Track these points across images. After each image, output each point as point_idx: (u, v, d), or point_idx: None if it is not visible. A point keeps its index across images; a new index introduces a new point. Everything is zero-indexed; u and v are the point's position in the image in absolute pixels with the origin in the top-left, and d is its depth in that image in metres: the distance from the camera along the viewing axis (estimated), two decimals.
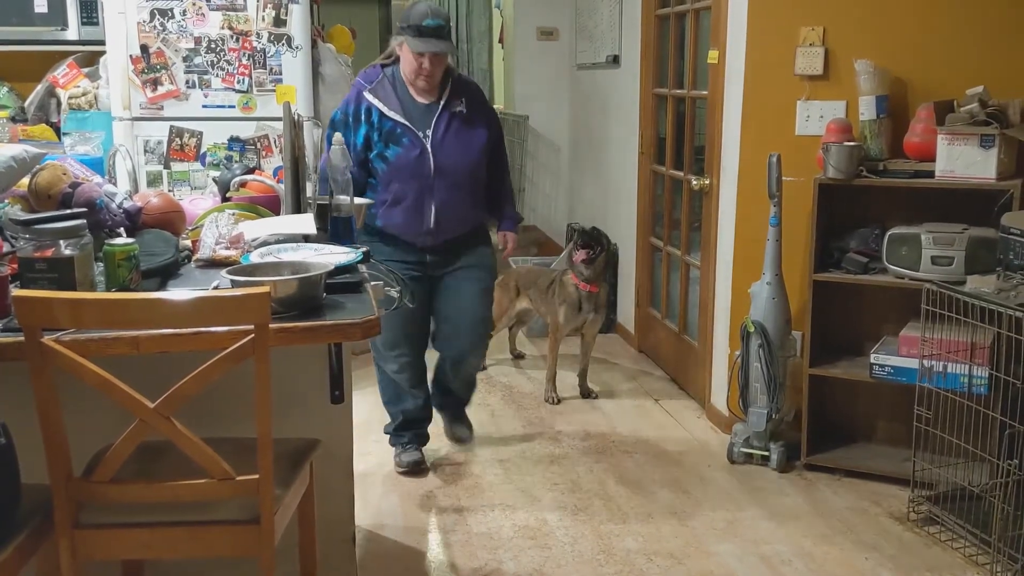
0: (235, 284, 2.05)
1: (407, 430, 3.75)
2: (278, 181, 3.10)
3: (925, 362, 3.22)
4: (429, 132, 3.30)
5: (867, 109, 3.51)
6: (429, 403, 3.76)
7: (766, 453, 3.71)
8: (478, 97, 3.46)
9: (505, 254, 3.69)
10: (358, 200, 2.87)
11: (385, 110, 3.28)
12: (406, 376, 3.62)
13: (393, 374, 3.62)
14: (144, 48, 3.91)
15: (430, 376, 3.78)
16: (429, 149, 3.29)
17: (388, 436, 3.80)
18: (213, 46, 3.94)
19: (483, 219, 3.59)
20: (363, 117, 3.30)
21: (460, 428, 3.90)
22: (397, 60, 3.32)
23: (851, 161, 3.41)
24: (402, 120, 3.28)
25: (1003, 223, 3.04)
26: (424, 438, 3.79)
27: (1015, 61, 3.44)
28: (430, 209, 3.33)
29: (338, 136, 2.96)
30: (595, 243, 4.41)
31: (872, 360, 3.46)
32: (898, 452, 3.60)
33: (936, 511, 3.24)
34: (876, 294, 3.65)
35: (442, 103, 3.34)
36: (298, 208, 2.82)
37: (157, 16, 3.89)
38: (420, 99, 3.34)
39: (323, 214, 2.74)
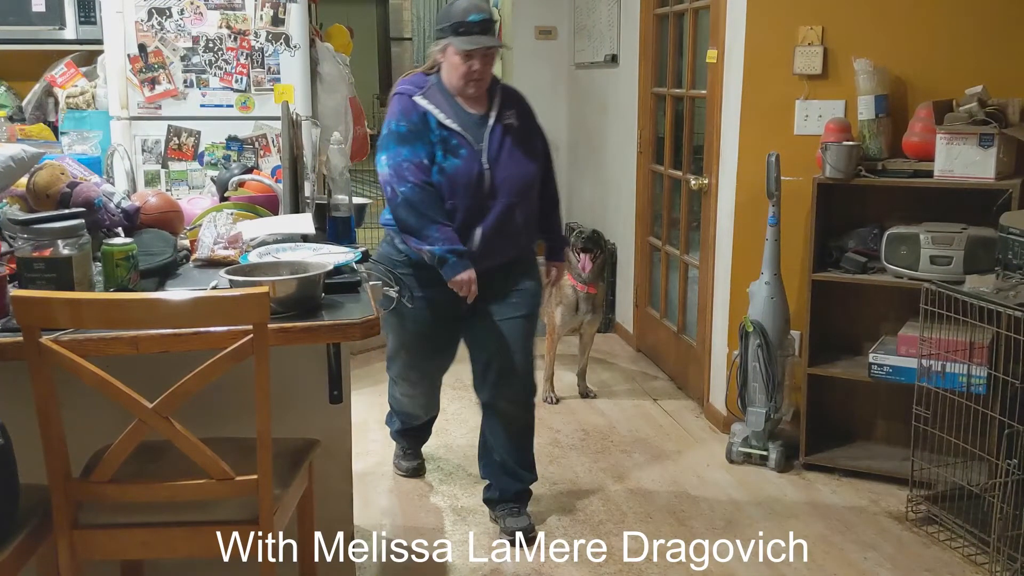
0: (234, 284, 2.05)
1: (408, 438, 3.69)
2: (276, 181, 3.10)
3: (924, 362, 3.22)
4: (484, 145, 2.93)
5: (866, 108, 3.51)
6: (435, 419, 3.70)
7: (765, 453, 3.71)
8: (527, 108, 3.11)
9: (549, 286, 3.38)
10: (357, 200, 2.86)
11: (441, 117, 2.91)
12: (418, 404, 3.53)
13: (402, 396, 3.49)
14: (142, 47, 3.90)
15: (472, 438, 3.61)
16: (486, 164, 2.93)
17: (388, 428, 3.75)
18: (211, 45, 3.93)
19: (533, 244, 3.22)
20: (423, 125, 2.92)
21: (519, 519, 3.21)
22: (439, 70, 2.98)
23: (850, 160, 3.41)
24: (458, 129, 2.92)
25: (1002, 223, 3.04)
26: (424, 442, 3.76)
27: (1014, 60, 3.44)
28: (476, 231, 2.95)
29: (336, 135, 2.96)
30: (596, 247, 4.41)
31: (871, 360, 3.46)
32: (897, 451, 3.60)
33: (935, 510, 3.24)
34: (875, 293, 3.65)
35: (494, 114, 2.99)
36: (296, 208, 2.82)
37: (155, 15, 3.88)
38: (470, 110, 2.97)
39: (321, 213, 2.73)
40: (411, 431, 3.65)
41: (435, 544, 3.17)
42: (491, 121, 2.98)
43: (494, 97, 3.02)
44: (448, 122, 2.91)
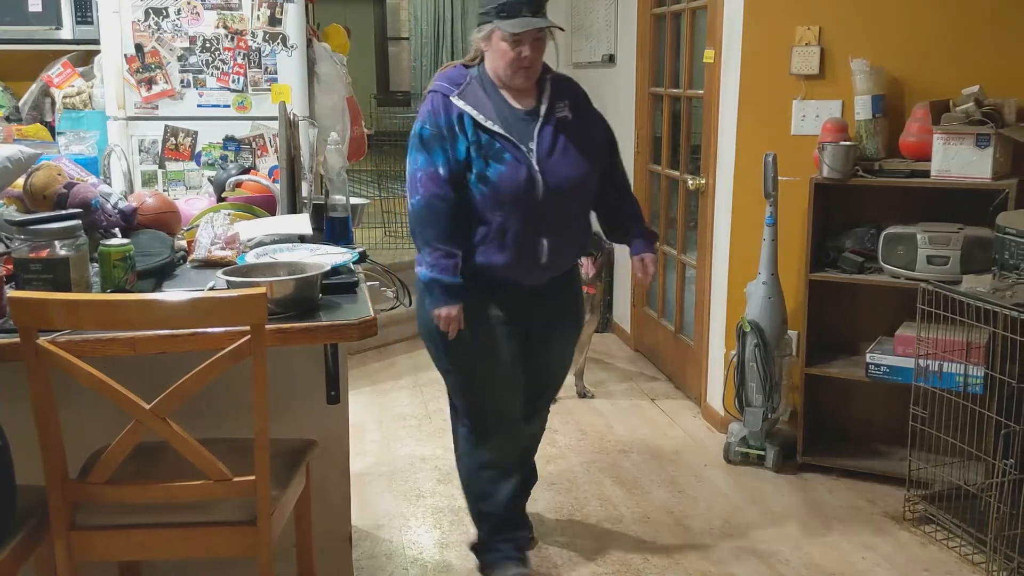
0: (231, 285, 2.05)
1: (505, 534, 2.91)
2: (274, 181, 3.10)
3: (921, 361, 3.22)
4: (533, 146, 2.58)
5: (863, 108, 3.51)
6: (527, 483, 3.05)
7: (762, 452, 3.71)
8: (583, 98, 2.77)
9: (646, 282, 2.93)
10: (354, 200, 2.86)
11: (481, 118, 2.56)
12: (513, 456, 2.90)
13: (493, 457, 2.84)
14: (139, 47, 3.89)
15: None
16: (536, 166, 2.57)
17: (475, 546, 3.00)
18: (208, 45, 3.92)
19: (586, 248, 3.02)
20: (457, 128, 2.56)
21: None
22: (482, 61, 2.65)
23: (847, 160, 3.41)
24: (501, 131, 2.56)
25: (998, 223, 3.04)
26: (529, 540, 3.05)
27: (1011, 60, 3.44)
28: (541, 241, 2.63)
29: (334, 136, 2.95)
30: (597, 249, 4.42)
31: (868, 359, 3.46)
32: (894, 451, 3.60)
33: (932, 510, 3.25)
34: (872, 293, 3.66)
35: (543, 108, 2.64)
36: (294, 208, 2.82)
37: (152, 15, 3.88)
38: (517, 104, 2.63)
39: (318, 214, 2.73)
40: (509, 523, 2.92)
41: (433, 544, 3.17)
42: (541, 117, 2.63)
43: (544, 89, 2.67)
44: (489, 124, 2.56)
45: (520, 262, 2.63)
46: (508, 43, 2.53)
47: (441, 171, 2.55)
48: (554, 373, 2.95)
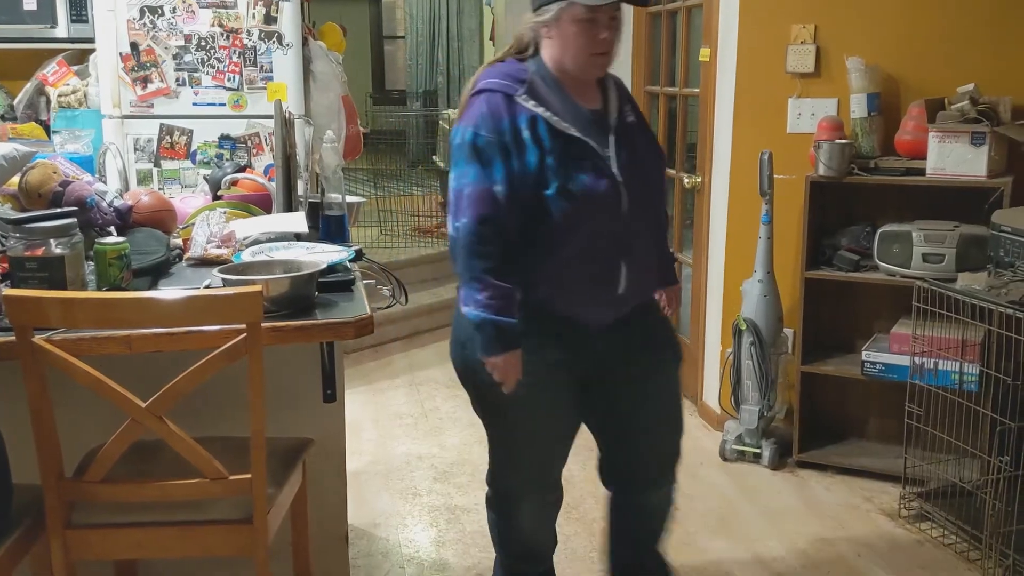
0: (227, 283, 2.05)
1: None
2: (269, 179, 3.10)
3: (916, 359, 3.22)
4: (610, 152, 2.16)
5: (858, 107, 3.51)
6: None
7: (758, 450, 3.72)
8: (633, 99, 2.37)
9: (673, 317, 2.55)
10: (350, 198, 2.86)
11: (555, 120, 2.11)
12: (550, 523, 2.57)
13: (530, 522, 2.50)
14: (134, 46, 3.89)
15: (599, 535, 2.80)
16: (618, 177, 2.15)
17: None
18: (203, 44, 3.92)
19: (668, 278, 2.51)
20: (526, 133, 2.10)
21: None
22: (535, 53, 2.22)
23: (842, 159, 3.42)
24: (578, 133, 2.13)
25: (994, 220, 3.05)
26: None
27: (1006, 59, 3.45)
28: (620, 266, 2.19)
29: (330, 134, 2.94)
30: None
31: (864, 357, 3.47)
32: (890, 449, 3.61)
33: (927, 508, 3.25)
34: (867, 291, 3.66)
35: (613, 108, 2.23)
36: (289, 206, 2.81)
37: (147, 13, 3.87)
38: (584, 105, 2.19)
39: (314, 212, 2.73)
40: None
41: (429, 542, 3.17)
42: (612, 118, 2.21)
43: (607, 86, 2.26)
44: (565, 126, 2.11)
45: (594, 292, 2.19)
46: (582, 24, 2.08)
47: (498, 188, 2.07)
48: (656, 431, 2.40)
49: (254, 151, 4.01)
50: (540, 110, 2.11)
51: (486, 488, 2.51)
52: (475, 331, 2.13)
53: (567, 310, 2.19)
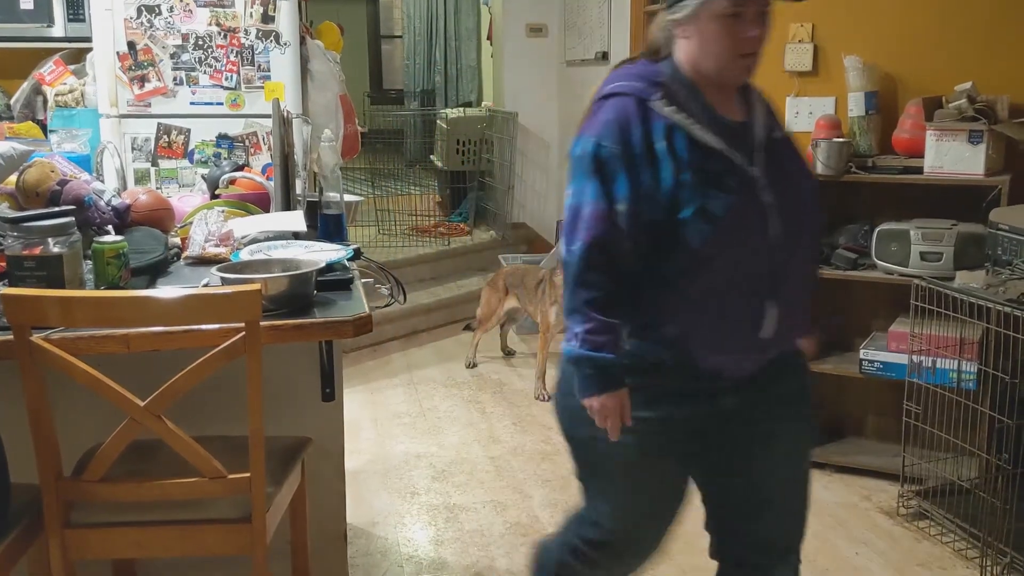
0: (225, 282, 2.04)
1: None
2: (267, 178, 3.09)
3: (914, 357, 3.23)
4: (756, 170, 1.83)
5: (856, 105, 3.52)
6: None
7: None
8: (779, 115, 2.03)
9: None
10: (348, 197, 2.85)
11: (696, 130, 1.80)
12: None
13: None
14: (131, 45, 3.88)
15: None
16: (766, 199, 1.82)
17: None
18: (200, 43, 3.91)
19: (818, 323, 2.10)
20: (661, 144, 1.79)
21: None
22: (667, 56, 1.90)
23: (840, 157, 3.42)
24: (721, 147, 1.81)
25: (991, 219, 3.05)
26: None
27: (1003, 57, 3.45)
28: (766, 306, 1.83)
29: (327, 133, 2.94)
30: None
31: (862, 356, 3.47)
32: (888, 447, 3.61)
33: (926, 506, 3.25)
34: (865, 290, 3.66)
35: (759, 120, 1.90)
36: (288, 205, 2.81)
37: (144, 12, 3.86)
38: (727, 115, 1.87)
39: (312, 211, 2.73)
40: None
41: (427, 541, 3.17)
42: (758, 133, 1.88)
43: (750, 95, 1.93)
44: (708, 138, 1.80)
45: (733, 335, 1.84)
46: (725, 20, 1.78)
47: (620, 207, 1.78)
48: (789, 504, 2.05)
49: (252, 150, 4.01)
50: (679, 117, 1.79)
51: (569, 531, 2.13)
52: (574, 370, 1.85)
53: (698, 355, 1.83)
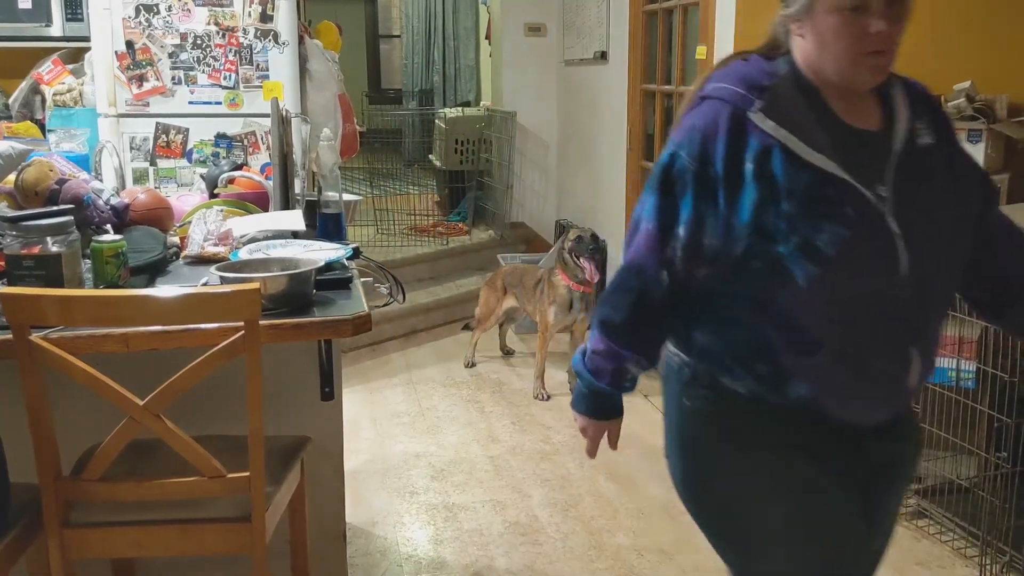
0: (224, 281, 2.04)
1: None
2: (266, 177, 3.09)
3: None
4: (885, 191, 1.52)
5: None
6: None
7: None
8: (943, 115, 1.69)
9: None
10: (347, 196, 2.85)
11: (801, 149, 1.49)
12: None
13: None
14: (129, 44, 3.88)
15: None
16: (895, 227, 1.51)
17: None
18: (199, 42, 3.91)
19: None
20: (749, 166, 1.50)
21: None
22: (786, 53, 1.61)
23: None
24: (835, 169, 1.49)
25: None
26: None
27: (1002, 56, 3.45)
28: (910, 353, 1.56)
29: (326, 132, 2.93)
30: (600, 252, 4.45)
31: None
32: None
33: (925, 505, 3.25)
34: None
35: (901, 128, 1.58)
36: (287, 204, 2.81)
37: (142, 12, 3.86)
38: (856, 123, 1.56)
39: (311, 210, 2.72)
40: None
41: (427, 541, 3.17)
42: (897, 142, 1.56)
43: (894, 95, 1.62)
44: (817, 158, 1.49)
45: (874, 389, 1.57)
46: (844, 15, 1.49)
47: (679, 231, 1.54)
48: (881, 543, 1.87)
49: (250, 150, 4.01)
50: (780, 134, 1.50)
51: None
52: (582, 381, 1.73)
53: (837, 410, 1.59)
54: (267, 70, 3.97)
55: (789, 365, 1.54)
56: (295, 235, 2.54)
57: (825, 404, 1.57)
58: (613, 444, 1.81)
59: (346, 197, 2.79)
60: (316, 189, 2.95)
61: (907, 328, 1.55)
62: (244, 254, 2.32)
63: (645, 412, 4.30)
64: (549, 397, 4.48)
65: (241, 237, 2.49)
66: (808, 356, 1.53)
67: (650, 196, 1.58)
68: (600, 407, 1.74)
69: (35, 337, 1.77)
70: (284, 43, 3.97)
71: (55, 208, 2.28)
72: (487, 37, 8.10)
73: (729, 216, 1.51)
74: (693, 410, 1.66)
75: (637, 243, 1.59)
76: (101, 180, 2.97)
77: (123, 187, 3.13)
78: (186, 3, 3.89)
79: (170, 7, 3.88)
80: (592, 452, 1.82)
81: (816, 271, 1.47)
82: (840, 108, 1.56)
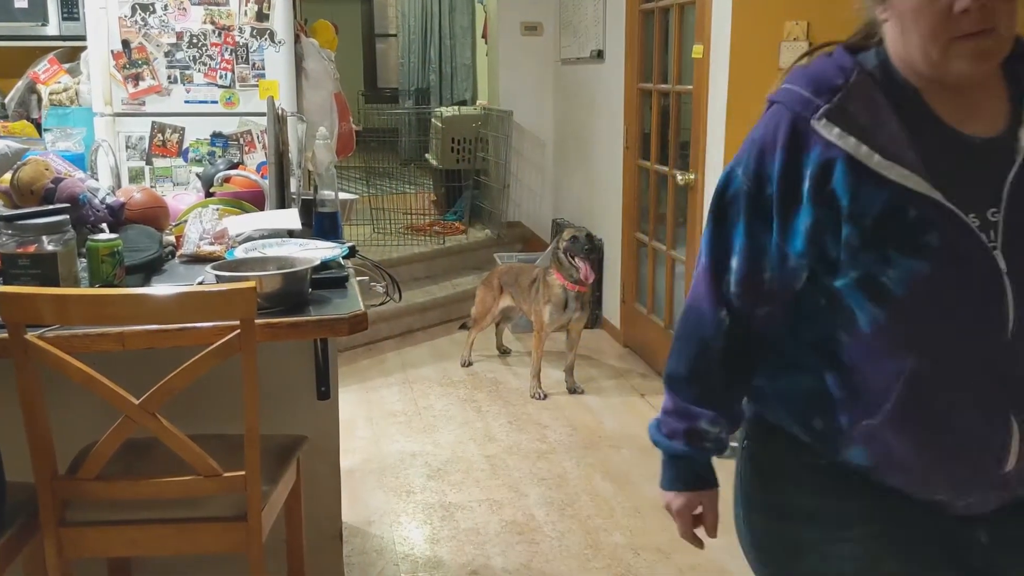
0: (220, 280, 2.04)
1: None
2: (262, 176, 3.09)
3: None
4: (997, 215, 1.21)
5: None
6: None
7: None
8: None
9: None
10: (343, 195, 2.85)
11: (874, 159, 1.21)
12: None
13: None
14: (125, 43, 3.87)
15: None
16: (1002, 262, 1.21)
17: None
18: (195, 41, 3.90)
19: None
20: (807, 184, 1.25)
21: None
22: (880, 43, 1.35)
23: None
24: (922, 187, 1.20)
25: None
26: None
27: None
28: (1008, 422, 1.23)
29: (322, 131, 2.93)
30: (595, 252, 4.46)
31: None
32: None
33: None
34: None
35: None
36: (282, 203, 2.81)
37: (138, 11, 3.86)
38: (962, 127, 1.25)
39: (307, 209, 2.72)
40: None
41: (423, 540, 3.17)
42: (1020, 153, 1.23)
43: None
44: (895, 172, 1.20)
45: (956, 467, 1.27)
46: None
47: (733, 264, 1.35)
48: None
49: (246, 148, 4.00)
50: (847, 143, 1.21)
51: None
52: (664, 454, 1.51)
53: (908, 484, 1.31)
54: (263, 69, 3.96)
55: (844, 424, 1.29)
56: (291, 234, 2.54)
57: (886, 476, 1.30)
58: (711, 529, 1.53)
59: (342, 196, 2.79)
60: (312, 188, 2.94)
61: (1002, 390, 1.21)
62: (240, 253, 2.32)
63: (642, 412, 4.31)
64: (545, 396, 4.48)
65: (237, 236, 2.49)
66: (868, 416, 1.26)
67: (706, 226, 1.39)
68: (682, 475, 1.48)
69: (31, 336, 1.77)
70: (280, 42, 3.97)
71: (51, 207, 2.27)
72: (483, 36, 8.09)
73: (783, 244, 1.28)
74: (754, 469, 1.48)
75: (695, 282, 1.40)
76: (97, 179, 2.97)
77: (119, 186, 3.12)
78: (182, 2, 3.89)
79: (166, 6, 3.88)
80: (685, 533, 1.54)
81: (881, 314, 1.21)
82: (945, 109, 1.24)
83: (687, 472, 1.47)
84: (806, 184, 1.24)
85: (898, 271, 1.19)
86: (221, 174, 3.00)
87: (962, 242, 1.18)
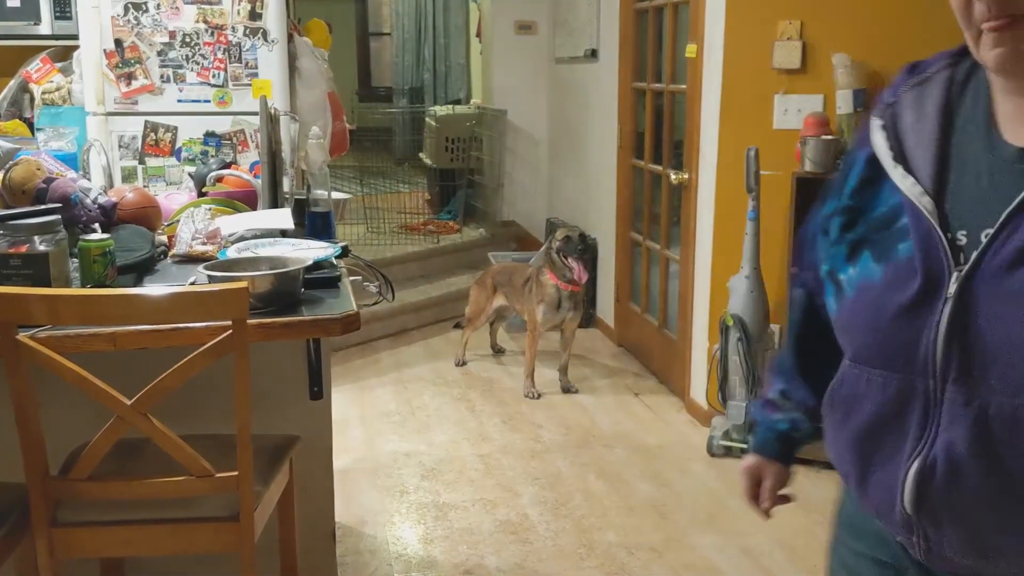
0: (212, 279, 2.03)
1: None
2: (255, 176, 3.08)
3: None
4: (985, 237, 1.02)
5: (844, 103, 3.53)
6: None
7: (745, 446, 3.72)
8: None
9: None
10: (336, 195, 2.85)
11: (889, 164, 1.13)
12: None
13: None
14: (118, 42, 3.86)
15: None
16: (951, 288, 1.02)
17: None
18: (188, 40, 3.90)
19: None
20: (849, 174, 1.22)
21: None
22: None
23: (828, 155, 3.43)
24: (918, 199, 1.08)
25: None
26: None
27: None
28: (903, 464, 1.08)
29: (315, 130, 2.93)
30: (588, 252, 4.46)
31: None
32: None
33: None
34: None
35: None
36: (275, 203, 2.80)
37: (131, 10, 3.85)
38: (1005, 131, 1.06)
39: (300, 209, 2.72)
40: None
41: (416, 540, 3.17)
42: None
43: None
44: (905, 182, 1.10)
45: (873, 495, 1.19)
46: None
47: (794, 273, 1.42)
48: None
49: (239, 148, 4.00)
50: (880, 145, 1.15)
51: None
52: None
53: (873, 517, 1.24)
54: (256, 68, 3.96)
55: (829, 432, 1.27)
56: (283, 234, 2.53)
57: (856, 495, 1.27)
58: (767, 497, 1.50)
59: (335, 195, 2.79)
60: (305, 187, 2.94)
61: (904, 432, 1.08)
62: (232, 253, 2.31)
63: (635, 411, 4.31)
64: (539, 395, 4.48)
65: (229, 236, 2.48)
66: (832, 420, 1.24)
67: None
68: (757, 440, 1.49)
69: (22, 336, 1.77)
70: (273, 41, 3.96)
71: (42, 207, 2.27)
72: (478, 35, 8.09)
73: (833, 235, 1.22)
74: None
75: (794, 256, 1.40)
76: (89, 179, 2.96)
77: (111, 186, 3.12)
78: (175, 1, 3.88)
79: (159, 5, 3.87)
80: (745, 493, 1.53)
81: (835, 308, 1.18)
82: (1005, 112, 1.07)
83: (759, 438, 1.48)
84: (848, 174, 1.22)
85: (856, 271, 1.14)
86: (214, 174, 3.00)
87: (928, 260, 1.05)
